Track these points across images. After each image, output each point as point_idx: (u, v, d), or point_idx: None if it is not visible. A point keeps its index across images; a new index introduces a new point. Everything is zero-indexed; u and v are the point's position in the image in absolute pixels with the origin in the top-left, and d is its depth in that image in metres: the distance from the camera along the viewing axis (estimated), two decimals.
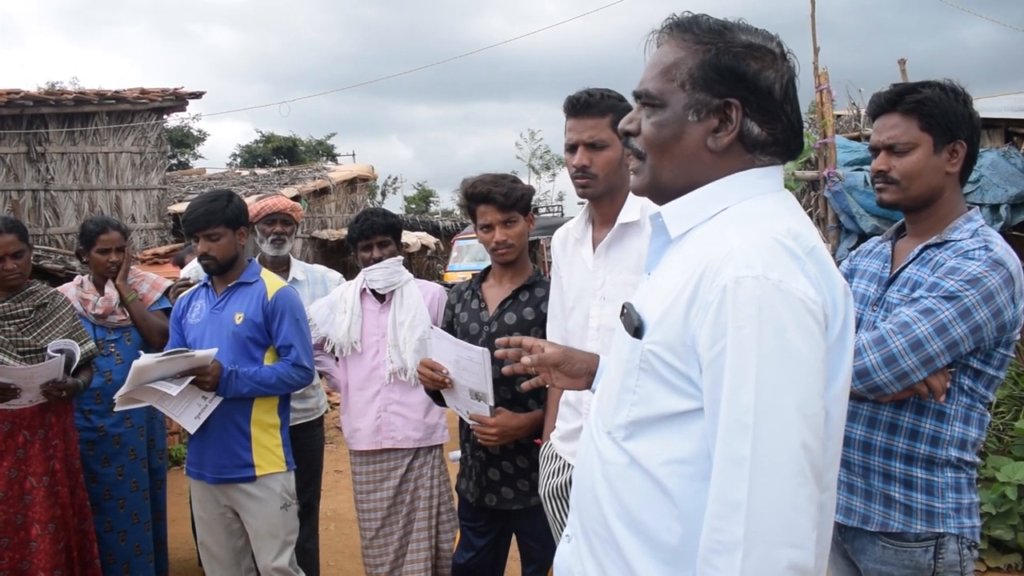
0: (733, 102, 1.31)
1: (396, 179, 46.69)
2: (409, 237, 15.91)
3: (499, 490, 2.88)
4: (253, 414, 3.17)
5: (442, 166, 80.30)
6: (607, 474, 1.36)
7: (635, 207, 2.40)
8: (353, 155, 35.25)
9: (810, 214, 5.38)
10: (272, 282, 3.28)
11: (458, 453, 3.16)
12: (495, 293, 2.96)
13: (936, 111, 2.00)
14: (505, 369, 1.97)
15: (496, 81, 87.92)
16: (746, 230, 1.25)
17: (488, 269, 3.06)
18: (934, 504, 1.95)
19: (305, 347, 3.23)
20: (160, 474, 4.18)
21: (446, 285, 3.44)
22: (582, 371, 1.85)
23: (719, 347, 1.18)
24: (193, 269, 3.57)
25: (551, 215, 19.09)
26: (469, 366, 2.63)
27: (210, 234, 3.16)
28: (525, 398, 2.82)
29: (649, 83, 1.38)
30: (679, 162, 1.36)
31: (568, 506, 2.50)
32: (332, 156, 36.86)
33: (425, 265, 18.44)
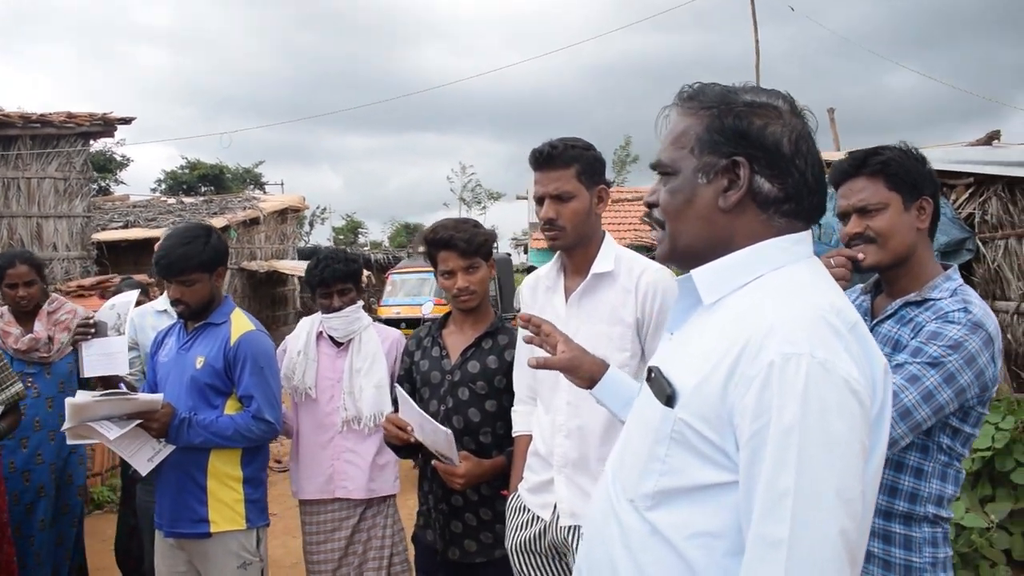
0: (740, 160, 1.31)
1: (324, 209, 46.10)
2: None
3: (462, 543, 2.79)
4: (210, 465, 2.94)
5: (373, 196, 79.79)
6: (629, 544, 1.31)
7: (609, 257, 2.39)
8: (282, 184, 34.74)
9: None
10: (239, 325, 3.03)
11: None
12: (457, 340, 2.89)
13: (900, 170, 2.05)
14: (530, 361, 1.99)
15: (434, 113, 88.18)
16: (789, 303, 1.23)
17: (448, 315, 2.99)
18: (912, 559, 1.96)
19: (268, 399, 2.98)
20: (75, 511, 4.04)
21: (378, 319, 3.35)
22: (585, 377, 1.95)
23: (760, 423, 1.16)
24: (109, 307, 3.15)
25: None
26: (434, 435, 2.57)
27: (184, 280, 2.92)
28: (488, 450, 2.76)
29: (662, 153, 1.40)
30: (694, 225, 1.36)
31: (536, 561, 2.45)
32: (260, 185, 36.19)
33: None
